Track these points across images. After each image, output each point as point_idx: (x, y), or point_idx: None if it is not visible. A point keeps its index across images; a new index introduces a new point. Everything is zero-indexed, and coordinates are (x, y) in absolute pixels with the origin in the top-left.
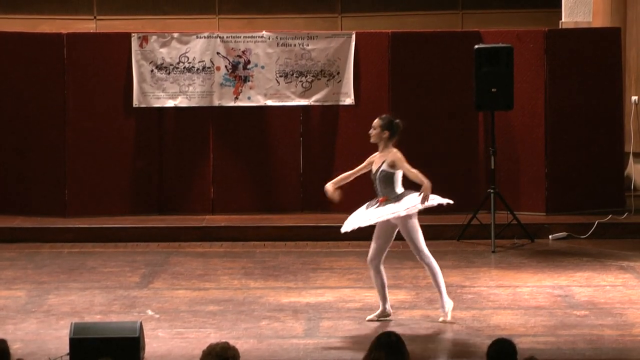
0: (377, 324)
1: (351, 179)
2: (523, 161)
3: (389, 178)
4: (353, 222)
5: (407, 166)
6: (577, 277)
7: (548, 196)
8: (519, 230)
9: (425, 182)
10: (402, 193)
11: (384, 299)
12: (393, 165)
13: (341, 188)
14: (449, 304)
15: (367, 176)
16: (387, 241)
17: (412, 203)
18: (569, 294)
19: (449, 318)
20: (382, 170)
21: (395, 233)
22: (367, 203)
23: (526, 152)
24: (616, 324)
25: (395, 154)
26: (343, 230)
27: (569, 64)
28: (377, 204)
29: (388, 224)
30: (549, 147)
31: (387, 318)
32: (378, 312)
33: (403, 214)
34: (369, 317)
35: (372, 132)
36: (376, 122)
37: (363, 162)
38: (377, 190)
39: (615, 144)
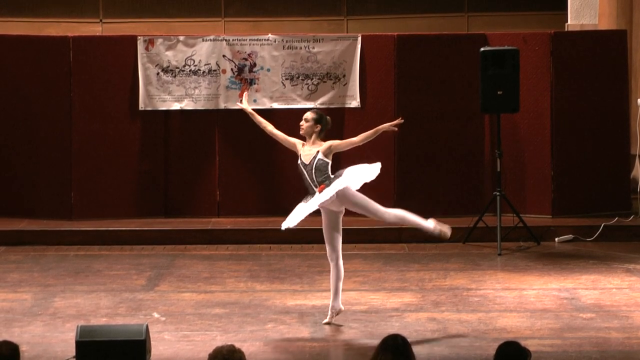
0: (382, 325)
1: (267, 129)
2: (529, 164)
3: (324, 166)
4: (295, 216)
5: (348, 140)
6: (583, 280)
7: (554, 199)
8: (525, 233)
9: (375, 129)
10: (335, 175)
11: (336, 294)
12: (328, 154)
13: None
14: (430, 224)
15: (373, 181)
16: (337, 230)
17: (346, 177)
18: (575, 296)
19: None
20: (318, 159)
21: (341, 218)
22: (304, 199)
23: (532, 154)
24: (622, 326)
25: (331, 143)
26: (284, 226)
27: (575, 66)
28: (316, 194)
29: (331, 214)
30: (554, 150)
31: (338, 314)
32: (330, 313)
33: (340, 187)
34: (324, 321)
35: (305, 124)
36: (309, 115)
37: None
38: (312, 182)
39: (621, 146)
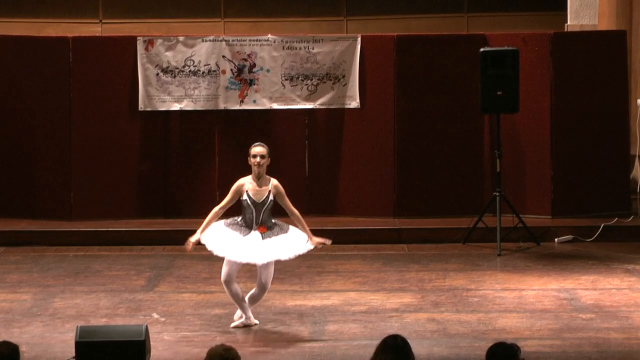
0: (382, 326)
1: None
2: (529, 164)
3: (272, 207)
4: (218, 243)
5: (289, 204)
6: (583, 280)
7: (554, 199)
8: (524, 233)
9: (309, 234)
10: (279, 223)
11: (244, 308)
12: (275, 196)
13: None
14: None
15: (373, 182)
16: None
17: (304, 240)
18: (575, 297)
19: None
20: (271, 200)
21: None
22: (233, 225)
23: (532, 155)
24: (622, 327)
25: (279, 186)
26: (197, 239)
27: (575, 66)
28: (263, 234)
29: None
30: (554, 150)
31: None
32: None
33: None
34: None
35: (263, 161)
36: (265, 150)
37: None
38: (256, 220)
39: (620, 146)
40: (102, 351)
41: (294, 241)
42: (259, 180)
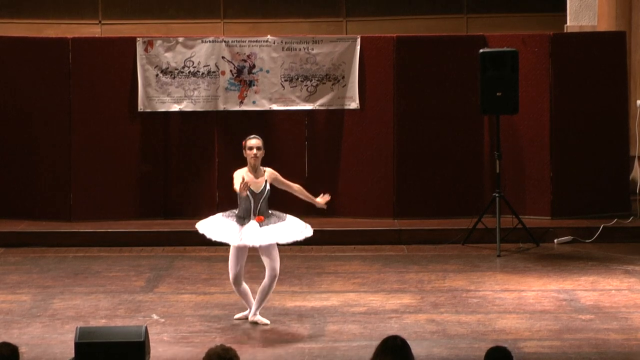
0: (381, 327)
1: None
2: (528, 165)
3: (269, 196)
4: (219, 233)
5: (288, 182)
6: (583, 281)
7: (553, 200)
8: (524, 234)
9: (313, 199)
10: (277, 213)
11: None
12: (272, 183)
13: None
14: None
15: (373, 183)
16: (245, 259)
17: (302, 225)
18: (574, 298)
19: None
20: (268, 190)
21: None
22: (230, 217)
23: (531, 156)
24: (621, 328)
25: (273, 172)
26: (200, 229)
27: (574, 67)
28: (260, 223)
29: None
30: (554, 151)
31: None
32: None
33: (305, 236)
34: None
35: (259, 153)
36: (260, 142)
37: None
38: (254, 210)
39: (620, 147)
40: (102, 352)
41: (292, 227)
42: (256, 171)
